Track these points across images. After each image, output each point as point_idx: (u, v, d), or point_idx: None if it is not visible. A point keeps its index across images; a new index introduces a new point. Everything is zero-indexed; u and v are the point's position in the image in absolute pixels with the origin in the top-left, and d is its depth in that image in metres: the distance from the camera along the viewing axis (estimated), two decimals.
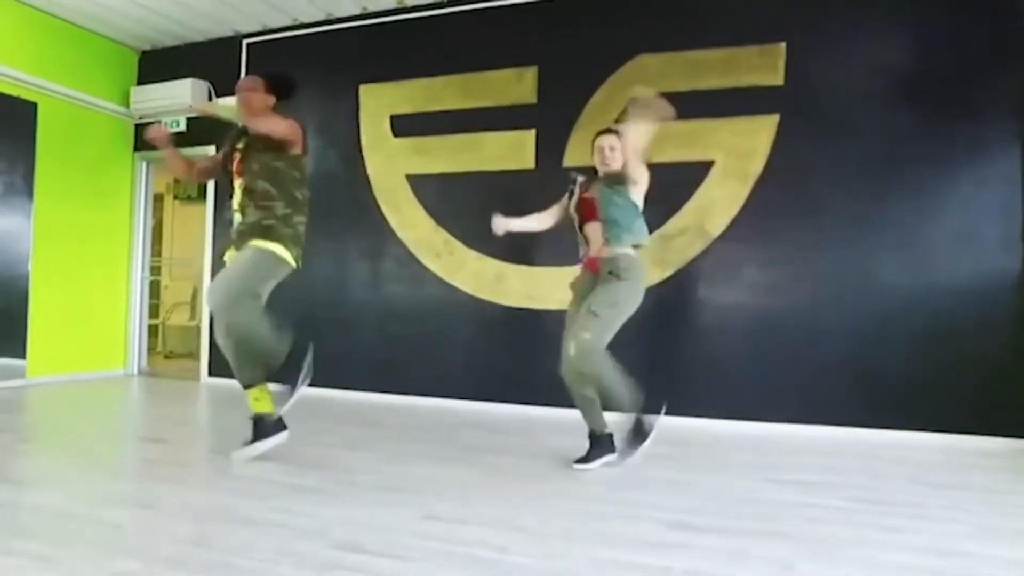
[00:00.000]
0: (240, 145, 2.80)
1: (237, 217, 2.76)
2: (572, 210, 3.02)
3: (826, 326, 3.81)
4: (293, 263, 2.75)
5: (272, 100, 2.83)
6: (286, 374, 2.75)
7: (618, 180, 2.83)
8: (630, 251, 2.82)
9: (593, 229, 2.88)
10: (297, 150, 2.77)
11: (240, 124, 2.83)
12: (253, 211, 2.69)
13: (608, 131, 2.93)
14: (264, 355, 2.70)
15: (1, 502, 2.28)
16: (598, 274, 2.85)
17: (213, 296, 2.62)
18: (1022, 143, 3.57)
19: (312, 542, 1.96)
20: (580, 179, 3.05)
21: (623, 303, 2.76)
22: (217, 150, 2.95)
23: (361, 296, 4.90)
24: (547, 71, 4.47)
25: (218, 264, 5.43)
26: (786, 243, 3.92)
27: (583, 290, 2.92)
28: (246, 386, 2.74)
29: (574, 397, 2.88)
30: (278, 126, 2.68)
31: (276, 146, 2.71)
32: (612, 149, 2.86)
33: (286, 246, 2.70)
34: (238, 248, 2.71)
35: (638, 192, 2.86)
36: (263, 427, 2.76)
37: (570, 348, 2.70)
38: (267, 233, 2.67)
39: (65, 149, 5.21)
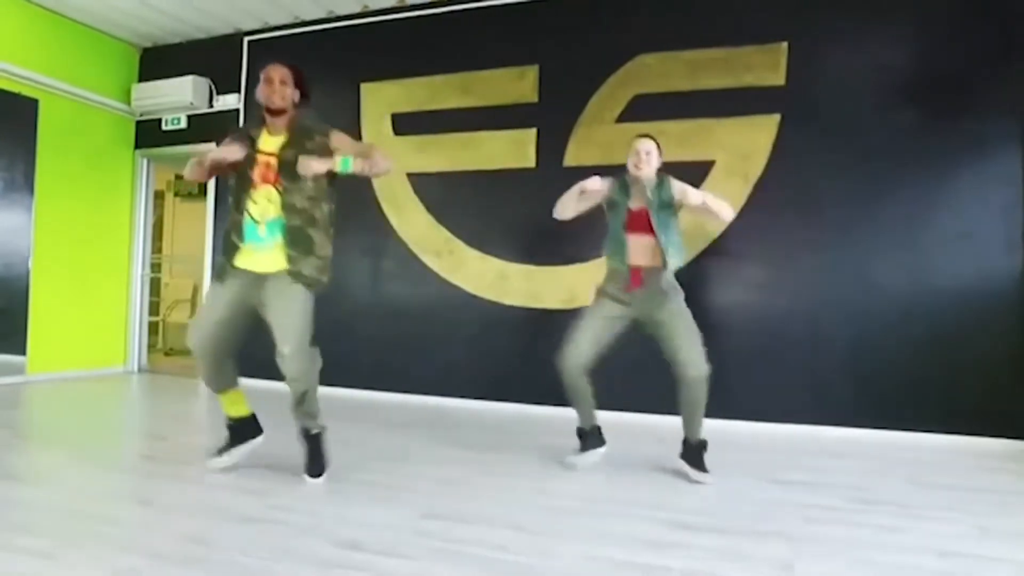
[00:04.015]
0: (275, 151, 2.54)
1: (264, 230, 2.50)
2: (609, 210, 2.95)
3: (826, 326, 3.81)
4: None
5: (298, 96, 2.64)
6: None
7: (670, 207, 2.84)
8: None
9: (640, 242, 2.82)
10: None
11: (258, 121, 2.63)
12: (317, 240, 2.57)
13: (649, 136, 2.93)
14: (314, 406, 2.67)
15: (1, 498, 2.28)
16: (637, 286, 2.81)
17: (291, 349, 2.49)
18: (1023, 143, 3.57)
19: (312, 540, 1.96)
20: (618, 179, 2.96)
21: (687, 309, 2.85)
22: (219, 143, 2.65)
23: (362, 295, 4.90)
24: (548, 70, 4.47)
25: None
26: (787, 243, 3.92)
27: (618, 296, 2.86)
28: (219, 391, 2.70)
29: (571, 388, 2.89)
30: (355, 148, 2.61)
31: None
32: (648, 154, 2.86)
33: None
34: (297, 279, 2.53)
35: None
36: (238, 432, 2.74)
37: (696, 370, 2.73)
38: (323, 269, 2.61)
39: (66, 146, 5.21)
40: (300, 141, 2.56)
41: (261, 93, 2.57)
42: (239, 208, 2.54)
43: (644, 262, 2.81)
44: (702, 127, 4.07)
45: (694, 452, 2.81)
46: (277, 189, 2.51)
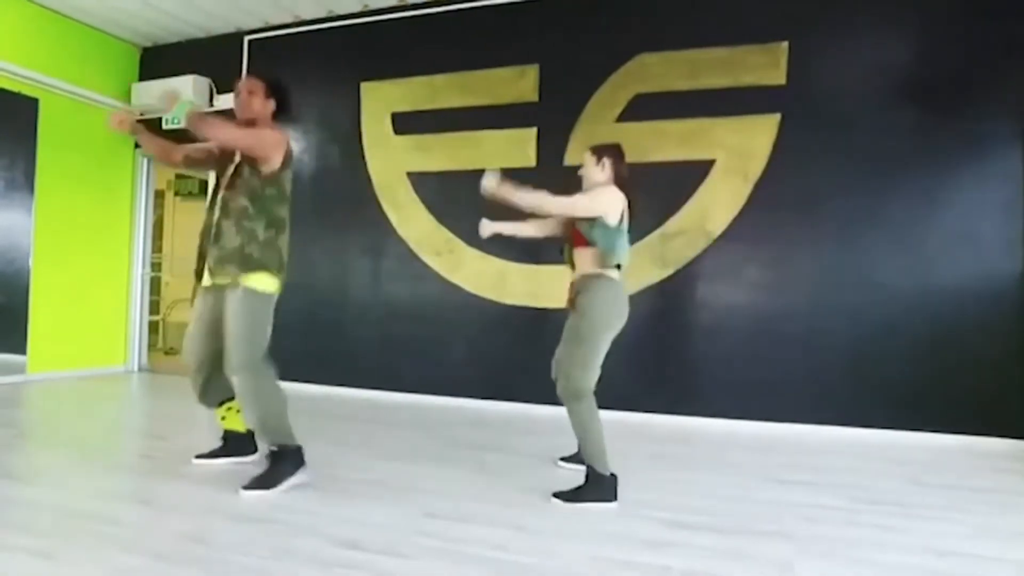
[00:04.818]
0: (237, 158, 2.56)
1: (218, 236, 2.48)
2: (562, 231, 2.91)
3: (827, 326, 3.81)
4: (277, 291, 2.54)
5: (271, 107, 2.61)
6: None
7: (587, 221, 2.69)
8: (607, 272, 2.66)
9: (578, 254, 2.75)
10: (274, 167, 2.50)
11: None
12: (233, 234, 2.44)
13: (590, 149, 2.88)
14: (276, 422, 2.49)
15: (1, 498, 2.28)
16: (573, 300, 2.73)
17: (235, 364, 2.39)
18: (1023, 142, 3.56)
19: (312, 540, 1.96)
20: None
21: (594, 321, 2.60)
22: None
23: (362, 294, 4.90)
24: (548, 69, 4.47)
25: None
26: (787, 243, 3.92)
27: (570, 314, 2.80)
28: (213, 407, 2.72)
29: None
30: (250, 139, 2.47)
31: (251, 160, 2.49)
32: (583, 166, 2.86)
33: (271, 274, 2.48)
34: (216, 276, 2.46)
35: (611, 218, 2.68)
36: (233, 444, 2.76)
37: (559, 382, 2.58)
38: (249, 264, 2.43)
39: (66, 145, 5.20)
40: None
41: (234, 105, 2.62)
42: (211, 212, 2.58)
43: (579, 272, 2.73)
44: (702, 126, 4.07)
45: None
46: (228, 188, 2.53)
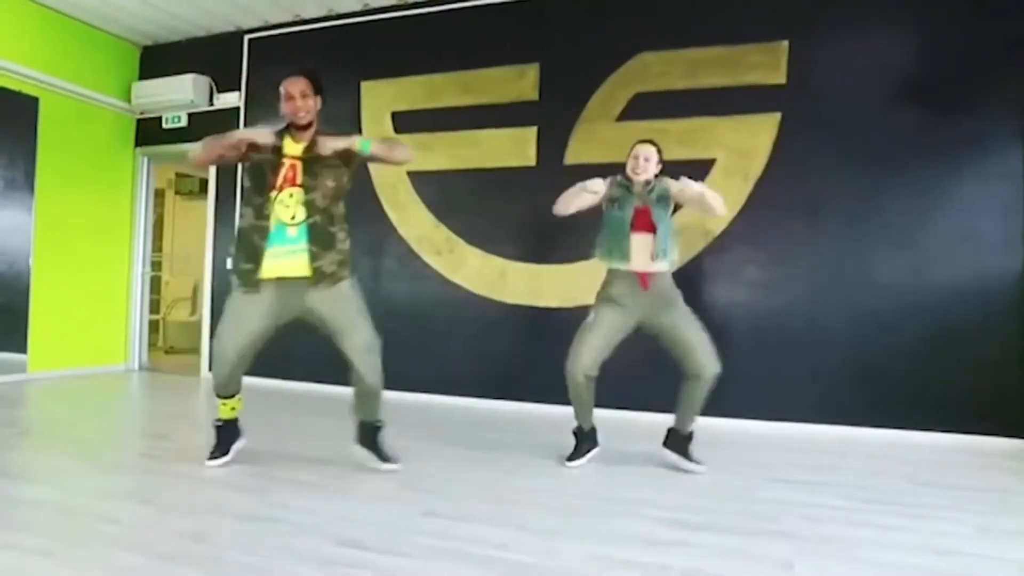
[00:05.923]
0: (299, 154, 2.56)
1: (295, 232, 2.53)
2: (614, 210, 2.95)
3: (827, 325, 3.81)
4: None
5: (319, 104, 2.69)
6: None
7: (667, 200, 2.89)
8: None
9: (641, 240, 2.86)
10: None
11: (285, 125, 2.63)
12: (343, 237, 2.64)
13: (650, 142, 2.99)
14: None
15: (1, 497, 2.28)
16: (647, 288, 2.84)
17: (370, 336, 2.76)
18: (1023, 142, 3.56)
19: (312, 538, 1.96)
20: (617, 178, 2.99)
21: None
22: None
23: (362, 293, 4.89)
24: (549, 68, 4.47)
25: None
26: (787, 242, 3.92)
27: (624, 300, 2.87)
28: (229, 396, 2.76)
29: (580, 394, 2.91)
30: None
31: (348, 163, 2.63)
32: (647, 160, 2.91)
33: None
34: (320, 277, 2.57)
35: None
36: (229, 433, 2.82)
37: (715, 368, 2.81)
38: (344, 263, 2.65)
39: (67, 144, 5.20)
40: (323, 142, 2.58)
41: (285, 110, 2.58)
42: (261, 214, 2.55)
43: (646, 262, 2.85)
44: (703, 125, 4.07)
45: (684, 442, 2.92)
46: (302, 188, 2.54)
